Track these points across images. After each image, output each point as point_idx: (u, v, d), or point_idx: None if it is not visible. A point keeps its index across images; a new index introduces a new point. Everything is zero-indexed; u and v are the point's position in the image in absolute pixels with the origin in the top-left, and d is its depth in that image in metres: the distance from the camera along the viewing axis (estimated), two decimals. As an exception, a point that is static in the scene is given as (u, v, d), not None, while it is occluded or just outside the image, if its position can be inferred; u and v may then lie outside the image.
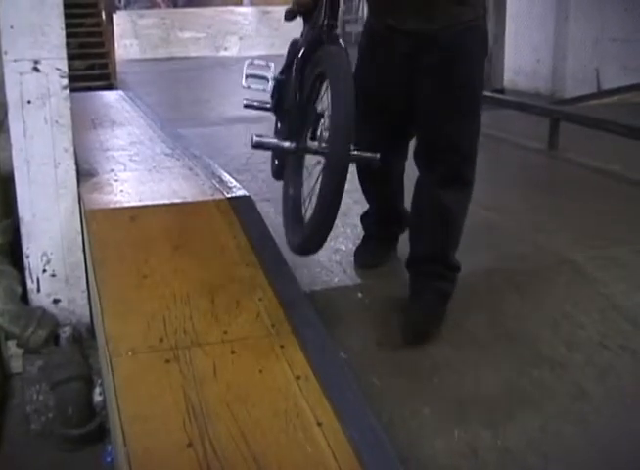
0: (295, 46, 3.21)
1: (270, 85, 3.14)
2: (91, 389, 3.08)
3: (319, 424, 2.03)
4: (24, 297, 3.33)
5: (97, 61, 12.70)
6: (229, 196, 3.29)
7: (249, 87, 3.12)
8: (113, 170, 3.69)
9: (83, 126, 4.60)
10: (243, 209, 3.18)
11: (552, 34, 11.66)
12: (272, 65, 3.20)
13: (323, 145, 2.58)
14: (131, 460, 1.89)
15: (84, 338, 3.31)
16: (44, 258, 3.32)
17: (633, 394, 2.83)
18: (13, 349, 3.29)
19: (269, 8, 19.33)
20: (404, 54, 2.83)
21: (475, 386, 2.78)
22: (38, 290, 3.35)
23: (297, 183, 2.95)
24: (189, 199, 3.27)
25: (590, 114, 6.59)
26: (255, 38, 19.05)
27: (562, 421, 2.64)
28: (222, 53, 18.89)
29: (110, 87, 11.56)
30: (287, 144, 2.77)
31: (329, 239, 2.67)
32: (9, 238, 3.40)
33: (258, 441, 1.95)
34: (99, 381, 3.07)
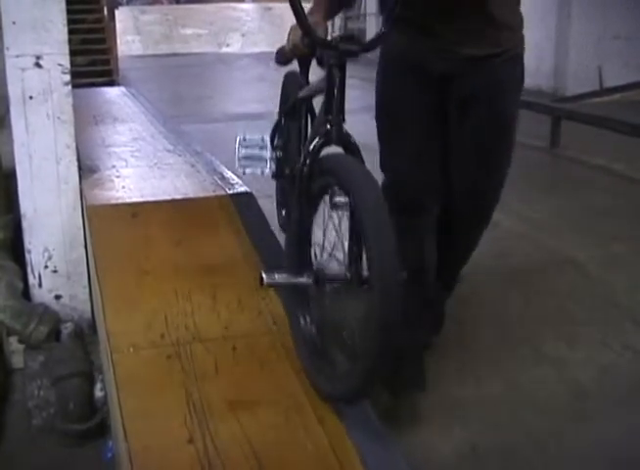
0: (290, 80, 3.05)
1: (269, 167, 2.88)
2: (92, 385, 3.08)
3: (320, 421, 2.03)
4: (26, 293, 3.33)
5: (99, 57, 12.72)
6: (231, 192, 3.28)
7: (244, 172, 2.87)
8: (114, 166, 3.69)
9: (85, 122, 4.60)
10: (244, 205, 3.18)
11: (554, 32, 11.64)
12: (267, 140, 2.92)
13: (363, 274, 1.98)
14: (132, 456, 1.89)
15: (85, 334, 3.31)
16: (46, 254, 3.32)
17: (634, 392, 2.84)
18: (14, 344, 3.29)
19: (271, 4, 19.34)
20: (441, 81, 2.62)
21: (475, 383, 2.78)
22: (40, 286, 3.35)
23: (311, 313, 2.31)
24: (190, 195, 3.27)
25: (592, 111, 6.58)
26: (257, 35, 19.06)
27: (563, 419, 2.64)
28: (224, 49, 18.90)
29: (111, 83, 11.57)
30: (304, 279, 2.18)
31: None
32: (10, 233, 3.40)
33: (259, 438, 1.95)
34: (100, 377, 3.07)
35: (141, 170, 3.67)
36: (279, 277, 2.20)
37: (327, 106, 2.16)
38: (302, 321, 2.26)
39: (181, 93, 11.64)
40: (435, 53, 2.57)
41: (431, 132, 2.71)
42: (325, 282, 2.13)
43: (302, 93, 2.82)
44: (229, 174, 3.58)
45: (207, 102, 10.87)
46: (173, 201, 3.20)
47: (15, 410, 3.12)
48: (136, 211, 3.06)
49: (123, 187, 3.36)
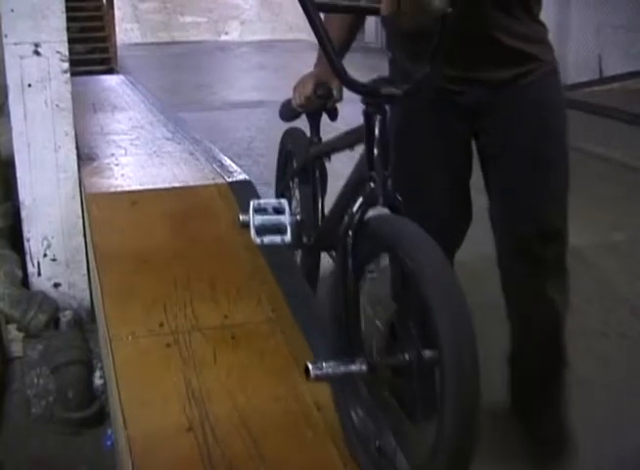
0: (294, 138, 2.88)
1: (289, 234, 2.52)
2: (91, 373, 3.08)
3: (319, 408, 2.03)
4: (25, 281, 3.33)
5: (98, 45, 12.70)
6: (230, 180, 3.28)
7: (262, 243, 2.52)
8: (113, 154, 3.69)
9: (84, 110, 4.59)
10: (243, 193, 3.17)
11: (554, 21, 11.60)
12: (284, 203, 2.58)
13: (427, 353, 1.63)
14: (131, 444, 1.89)
15: (84, 322, 3.31)
16: (45, 243, 3.32)
17: (633, 381, 2.84)
18: (13, 332, 3.30)
19: (270, -7, 19.29)
20: (470, 110, 2.28)
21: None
22: (39, 274, 3.35)
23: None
24: (190, 183, 3.27)
25: (592, 100, 6.59)
26: (257, 23, 19.01)
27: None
28: (223, 37, 18.87)
29: (110, 71, 11.56)
30: (356, 367, 1.79)
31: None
32: (9, 222, 3.40)
33: (258, 425, 1.95)
34: (99, 365, 3.08)
35: (140, 158, 3.66)
36: (327, 367, 1.81)
37: (368, 160, 1.83)
38: (354, 413, 1.92)
39: (180, 81, 11.63)
40: (455, 83, 2.23)
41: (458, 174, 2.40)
42: (381, 367, 1.77)
43: (315, 151, 2.62)
44: (228, 162, 3.58)
45: (207, 90, 10.86)
46: (172, 189, 3.19)
47: (14, 399, 3.12)
48: (135, 200, 3.06)
49: (122, 175, 3.35)
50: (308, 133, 2.75)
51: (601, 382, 2.80)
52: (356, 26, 2.35)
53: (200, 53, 15.73)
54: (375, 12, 1.76)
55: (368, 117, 1.83)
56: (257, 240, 2.49)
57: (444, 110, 2.27)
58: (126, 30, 17.56)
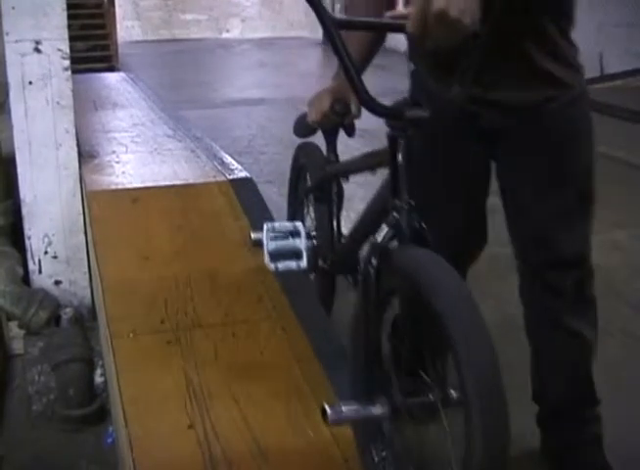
0: (309, 154, 2.77)
1: (305, 260, 2.37)
2: (92, 370, 3.08)
3: (320, 407, 2.03)
4: (26, 278, 3.33)
5: (98, 42, 12.69)
6: (231, 178, 3.28)
7: (276, 269, 2.38)
8: (114, 152, 3.69)
9: (85, 108, 4.59)
10: (244, 190, 3.17)
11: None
12: (300, 227, 2.44)
13: (452, 393, 1.58)
14: (132, 441, 1.89)
15: (85, 319, 3.31)
16: (45, 240, 3.32)
17: (635, 378, 2.84)
18: (14, 330, 3.30)
19: (271, -10, 19.27)
20: (490, 133, 2.14)
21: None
22: (40, 271, 3.35)
23: None
24: (190, 180, 3.27)
25: (593, 98, 6.59)
26: (258, 20, 18.98)
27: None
28: (224, 35, 18.85)
29: (111, 69, 11.55)
30: (378, 409, 1.70)
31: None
32: (10, 219, 3.40)
33: (259, 423, 1.95)
34: (100, 362, 3.08)
35: (141, 156, 3.66)
36: (347, 411, 1.71)
37: (393, 188, 1.73)
38: (377, 457, 1.81)
39: (181, 79, 11.62)
40: (477, 105, 2.09)
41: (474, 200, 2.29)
42: (404, 409, 1.67)
43: (332, 169, 2.52)
44: (229, 160, 3.58)
45: (207, 87, 10.85)
46: (173, 186, 3.19)
47: (15, 396, 3.12)
48: (136, 197, 3.06)
49: (123, 173, 3.35)
50: (323, 149, 2.64)
51: (602, 379, 2.79)
52: (378, 42, 2.22)
53: (201, 50, 15.72)
54: (399, 29, 1.63)
55: (392, 140, 1.73)
56: (272, 266, 2.35)
57: (463, 131, 2.14)
58: (127, 28, 17.54)
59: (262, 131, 7.49)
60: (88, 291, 3.39)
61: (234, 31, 19.02)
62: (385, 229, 1.72)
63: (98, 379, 3.07)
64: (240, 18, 19.33)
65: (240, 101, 9.56)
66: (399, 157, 1.71)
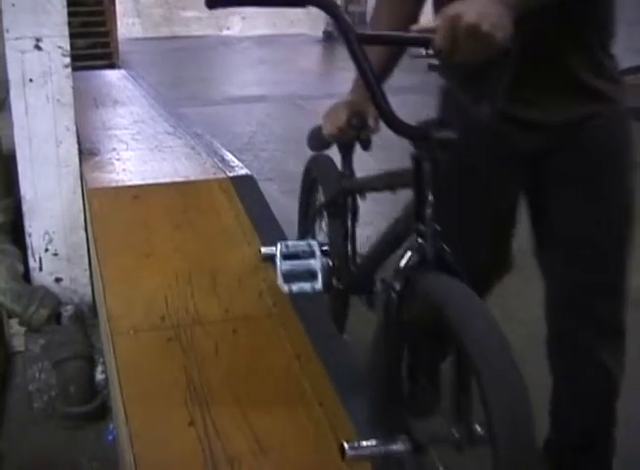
0: (322, 167, 2.66)
1: (320, 281, 2.31)
2: (93, 367, 3.08)
3: (320, 404, 2.03)
4: (26, 275, 3.33)
5: (99, 40, 12.69)
6: (231, 175, 3.28)
7: (290, 291, 2.30)
8: (115, 149, 3.69)
9: (85, 105, 4.59)
10: (245, 188, 3.17)
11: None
12: (315, 245, 2.40)
13: (477, 430, 1.51)
14: (133, 438, 1.89)
15: (86, 317, 3.31)
16: (46, 237, 3.32)
17: (634, 376, 2.83)
18: (15, 327, 3.30)
19: (272, -13, 19.23)
20: (525, 154, 2.02)
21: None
22: (40, 269, 3.35)
23: None
24: (191, 178, 3.26)
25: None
26: (258, 18, 18.98)
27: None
28: (225, 32, 18.87)
29: (112, 66, 11.54)
30: (398, 446, 1.62)
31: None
32: (11, 217, 3.40)
33: (260, 420, 1.95)
34: (101, 360, 3.08)
35: (141, 153, 3.66)
36: (366, 447, 1.64)
37: (417, 212, 1.63)
38: None
39: (181, 76, 11.63)
40: (513, 124, 1.96)
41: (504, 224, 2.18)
42: (426, 447, 1.61)
43: (348, 185, 2.41)
44: (229, 157, 3.58)
45: (208, 85, 10.86)
46: (174, 183, 3.19)
47: (16, 393, 3.13)
48: (136, 194, 3.06)
49: (124, 170, 3.35)
50: (336, 161, 2.54)
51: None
52: (399, 54, 2.10)
53: (201, 48, 15.73)
54: (426, 44, 1.53)
55: (417, 162, 1.63)
56: (285, 288, 2.30)
57: (495, 151, 2.01)
58: (128, 25, 17.55)
59: (263, 128, 7.49)
60: (89, 288, 3.39)
61: (234, 29, 19.04)
62: (408, 254, 1.62)
63: (99, 376, 3.07)
64: (240, 15, 19.32)
65: (240, 98, 9.56)
66: (426, 180, 1.62)
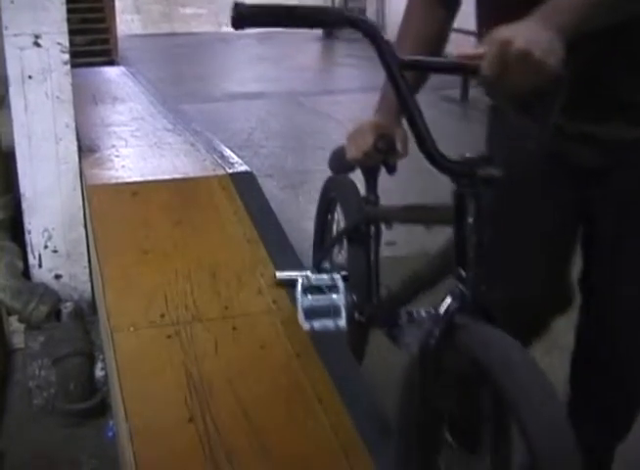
0: (341, 190, 2.46)
1: (344, 318, 2.17)
2: (93, 364, 3.08)
3: (320, 400, 2.03)
4: (26, 272, 3.33)
5: (98, 36, 12.67)
6: (230, 171, 3.28)
7: (312, 328, 2.18)
8: (114, 146, 3.68)
9: (85, 102, 4.58)
10: (244, 184, 3.17)
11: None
12: (339, 280, 2.25)
13: None
14: (133, 435, 1.90)
15: (86, 313, 3.31)
16: (45, 234, 3.32)
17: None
18: (15, 324, 3.30)
19: (271, -16, 19.21)
20: (582, 174, 1.86)
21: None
22: (40, 266, 3.35)
23: None
24: (190, 174, 3.26)
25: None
26: (257, 15, 18.95)
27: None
28: (224, 29, 18.81)
29: (111, 63, 11.53)
30: None
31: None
32: (10, 214, 3.40)
33: (259, 417, 1.95)
34: (100, 356, 3.08)
35: (141, 150, 3.66)
36: None
37: (457, 255, 1.49)
38: None
39: (181, 72, 11.62)
40: (570, 141, 1.82)
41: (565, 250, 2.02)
42: None
43: (372, 212, 2.25)
44: (229, 153, 3.58)
45: (207, 81, 10.85)
46: (173, 180, 3.19)
47: (15, 390, 3.13)
48: (136, 191, 3.06)
49: (123, 166, 3.35)
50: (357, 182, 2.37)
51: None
52: (428, 74, 1.95)
53: (200, 44, 15.71)
54: (472, 71, 1.44)
55: (459, 199, 1.48)
56: (306, 325, 2.17)
57: (550, 174, 1.88)
58: (127, 22, 17.52)
59: (262, 125, 7.49)
60: (88, 285, 3.39)
61: (234, 25, 19.01)
62: (447, 299, 1.48)
63: (98, 373, 3.08)
64: (240, 12, 19.30)
65: (239, 95, 9.56)
66: (469, 220, 1.47)
